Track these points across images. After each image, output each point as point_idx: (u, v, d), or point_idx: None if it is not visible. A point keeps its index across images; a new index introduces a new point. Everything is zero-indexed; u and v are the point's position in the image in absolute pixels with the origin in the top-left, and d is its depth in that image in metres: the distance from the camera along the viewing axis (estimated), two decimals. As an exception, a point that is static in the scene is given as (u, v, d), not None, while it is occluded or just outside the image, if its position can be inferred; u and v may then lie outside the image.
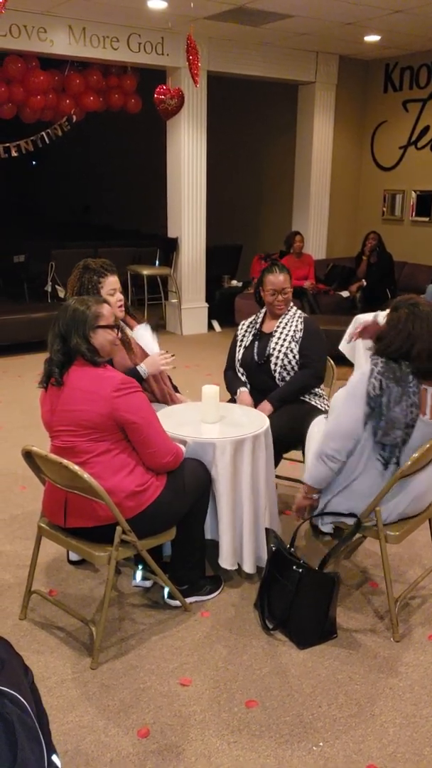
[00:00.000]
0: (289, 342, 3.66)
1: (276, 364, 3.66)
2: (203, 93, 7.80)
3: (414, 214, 8.79)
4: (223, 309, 8.75)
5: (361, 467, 2.79)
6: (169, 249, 8.34)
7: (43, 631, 2.86)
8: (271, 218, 10.26)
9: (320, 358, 3.70)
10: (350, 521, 2.86)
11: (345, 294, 7.94)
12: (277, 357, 3.66)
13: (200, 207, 8.16)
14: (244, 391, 3.73)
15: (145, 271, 8.31)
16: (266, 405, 3.57)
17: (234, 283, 9.09)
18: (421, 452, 2.68)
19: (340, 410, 2.79)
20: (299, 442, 3.52)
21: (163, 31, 7.28)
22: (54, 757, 1.94)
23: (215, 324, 8.82)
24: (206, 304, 8.65)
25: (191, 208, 8.10)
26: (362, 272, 7.97)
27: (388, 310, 2.84)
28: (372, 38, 7.57)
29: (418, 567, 3.38)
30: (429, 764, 2.24)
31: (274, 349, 3.68)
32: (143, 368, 3.30)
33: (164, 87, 7.00)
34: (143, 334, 3.51)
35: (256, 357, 3.73)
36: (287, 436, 3.41)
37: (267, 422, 3.19)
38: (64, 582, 3.20)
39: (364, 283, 7.77)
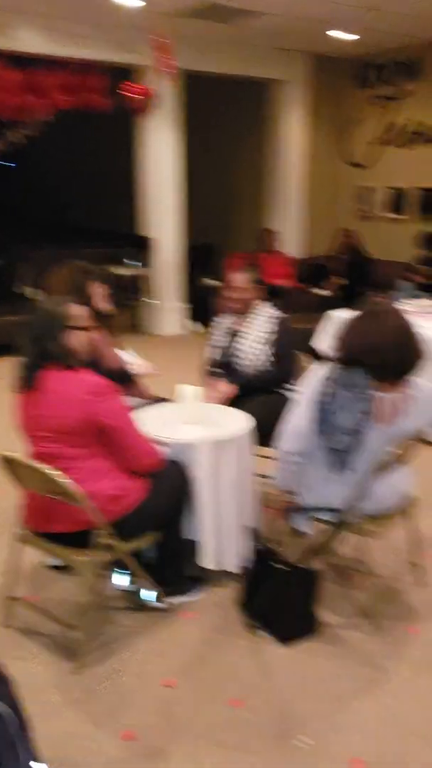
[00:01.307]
0: (260, 343, 3.70)
1: (246, 364, 3.70)
2: (175, 90, 7.78)
3: (387, 210, 8.85)
4: (199, 308, 8.74)
5: (316, 470, 2.83)
6: (144, 249, 8.32)
7: (25, 638, 2.84)
8: (246, 216, 10.26)
9: (291, 358, 3.74)
10: (328, 515, 2.87)
11: (322, 292, 7.97)
12: (248, 357, 3.70)
13: (174, 206, 8.15)
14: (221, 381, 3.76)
15: (121, 271, 8.27)
16: (228, 385, 3.63)
17: (210, 281, 9.09)
18: (397, 449, 2.71)
19: (293, 412, 2.84)
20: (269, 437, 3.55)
21: (133, 29, 7.24)
22: (33, 764, 1.93)
23: (191, 323, 8.81)
24: (183, 304, 8.64)
25: (165, 206, 8.10)
26: (337, 270, 8.01)
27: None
28: (343, 36, 7.60)
29: (398, 561, 3.41)
30: (413, 755, 2.27)
31: (241, 350, 3.73)
32: (133, 369, 3.48)
33: (134, 84, 6.98)
34: (129, 359, 3.61)
35: (227, 357, 3.79)
36: (261, 429, 3.40)
37: (248, 422, 3.19)
38: (46, 587, 3.18)
39: (340, 281, 7.80)
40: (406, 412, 2.72)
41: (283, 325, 3.75)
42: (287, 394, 3.69)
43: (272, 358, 3.68)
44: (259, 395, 3.63)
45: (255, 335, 3.73)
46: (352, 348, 2.68)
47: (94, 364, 3.22)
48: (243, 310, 3.80)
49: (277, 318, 3.77)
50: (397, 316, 2.71)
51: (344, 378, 2.69)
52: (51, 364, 2.62)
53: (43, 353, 2.61)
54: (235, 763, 2.23)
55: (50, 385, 2.59)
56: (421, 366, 2.71)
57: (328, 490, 2.83)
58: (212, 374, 3.85)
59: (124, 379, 3.49)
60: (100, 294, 3.39)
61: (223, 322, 3.93)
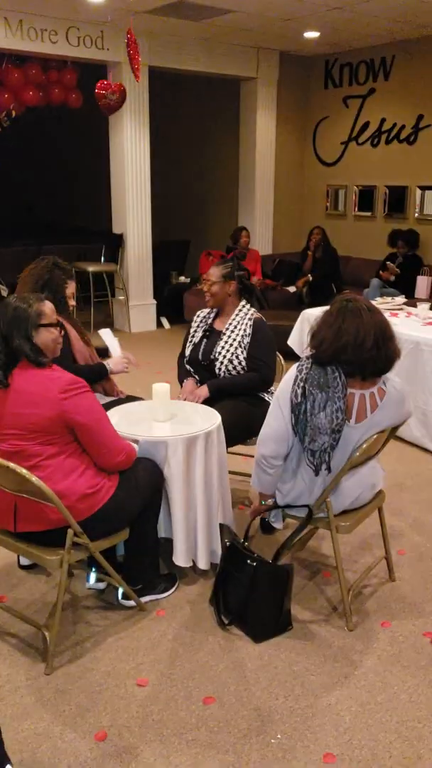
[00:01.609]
0: (236, 348, 3.61)
1: (220, 369, 3.64)
2: (145, 88, 7.74)
3: (357, 208, 8.91)
4: (171, 305, 8.72)
5: (292, 470, 2.84)
6: (114, 245, 8.27)
7: (-5, 638, 2.81)
8: (217, 214, 10.26)
9: (269, 363, 3.64)
10: (301, 513, 2.88)
11: (292, 289, 8.00)
12: (221, 362, 3.62)
13: (145, 203, 8.11)
14: (189, 381, 3.74)
15: (91, 268, 8.21)
16: (203, 389, 3.57)
17: (182, 279, 9.07)
18: (369, 443, 2.72)
19: (269, 416, 2.81)
20: (246, 437, 3.54)
21: (103, 25, 7.20)
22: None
23: (164, 321, 8.78)
24: (154, 301, 8.61)
25: (136, 204, 8.05)
26: (308, 267, 8.04)
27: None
28: (311, 34, 7.63)
29: (369, 556, 3.44)
30: (384, 749, 2.28)
31: (219, 353, 3.64)
32: (109, 365, 3.44)
33: (105, 82, 6.92)
34: (106, 338, 3.60)
35: (200, 357, 3.71)
36: (231, 431, 3.40)
37: (219, 419, 3.19)
38: (15, 588, 3.15)
39: (310, 278, 7.84)
40: (380, 407, 2.74)
41: (257, 326, 3.65)
42: (264, 397, 3.67)
43: (250, 364, 3.60)
44: (234, 399, 3.58)
45: (233, 337, 3.65)
46: (330, 347, 2.64)
47: (66, 360, 3.21)
48: (214, 305, 3.75)
49: (251, 320, 3.68)
50: (375, 312, 2.69)
51: (318, 378, 2.67)
52: (21, 363, 2.58)
53: (14, 352, 2.57)
54: (207, 760, 2.23)
55: (20, 384, 2.56)
56: (395, 364, 2.72)
57: (305, 487, 2.83)
58: (186, 372, 3.80)
59: (97, 376, 3.47)
60: (71, 290, 3.38)
61: (200, 318, 3.86)
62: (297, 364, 2.77)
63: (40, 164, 13.65)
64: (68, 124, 11.44)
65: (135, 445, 2.87)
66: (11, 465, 2.47)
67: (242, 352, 3.61)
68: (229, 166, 9.59)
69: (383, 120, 8.38)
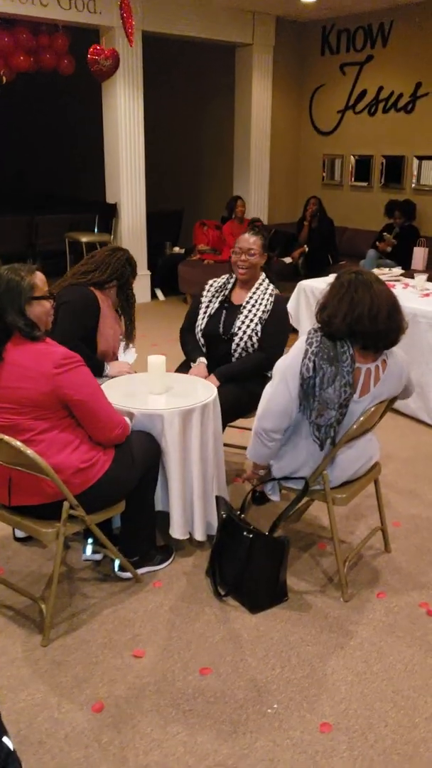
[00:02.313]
0: (256, 324, 3.52)
1: (238, 344, 3.54)
2: (138, 54, 7.58)
3: (353, 178, 8.81)
4: (166, 277, 8.64)
5: (294, 443, 2.82)
6: (108, 215, 8.16)
7: (-8, 610, 2.81)
8: (211, 183, 10.14)
9: (280, 345, 3.55)
10: (298, 485, 2.87)
11: (288, 260, 7.93)
12: (241, 338, 3.53)
13: (139, 171, 7.99)
14: (201, 363, 3.60)
15: (84, 239, 8.12)
16: (213, 379, 3.49)
17: (176, 249, 8.97)
18: (366, 416, 2.70)
19: (273, 390, 2.76)
20: (245, 412, 3.51)
21: (95, -11, 7.02)
22: (4, 739, 1.90)
23: (158, 292, 8.71)
24: (148, 272, 8.53)
25: (130, 172, 7.93)
26: (304, 238, 7.96)
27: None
28: (308, -2, 7.47)
29: (364, 527, 3.44)
30: (380, 718, 2.30)
31: (239, 328, 3.53)
32: (107, 368, 3.42)
33: (98, 47, 6.78)
34: (129, 350, 3.61)
35: (222, 330, 3.59)
36: (233, 406, 3.38)
37: (215, 392, 3.17)
38: (11, 560, 3.14)
39: (306, 249, 7.77)
40: (381, 380, 2.73)
41: (277, 304, 3.56)
42: (268, 375, 3.62)
43: (259, 340, 3.52)
44: (242, 380, 3.51)
45: (253, 312, 3.54)
46: (344, 320, 2.60)
47: (90, 341, 3.34)
48: (247, 277, 3.59)
49: (272, 296, 3.58)
50: (384, 284, 2.66)
51: (328, 351, 2.63)
52: (15, 337, 2.53)
53: (8, 326, 2.51)
54: (204, 730, 2.24)
55: (14, 358, 2.51)
56: (402, 337, 2.70)
57: (304, 460, 2.81)
58: (197, 348, 3.67)
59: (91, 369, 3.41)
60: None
61: (214, 289, 3.71)
62: (305, 337, 2.72)
63: (32, 131, 13.43)
64: (61, 90, 11.22)
65: (129, 419, 2.84)
66: (6, 438, 2.44)
67: (260, 328, 3.53)
68: (224, 134, 9.45)
69: (381, 88, 8.25)
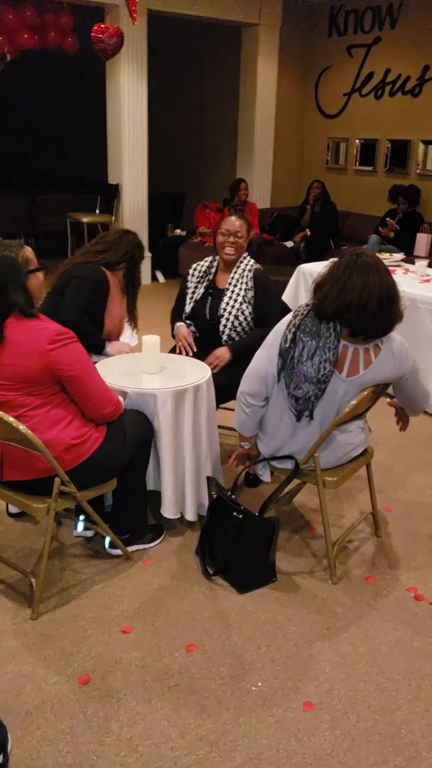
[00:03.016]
0: (240, 303, 3.54)
1: (225, 325, 3.55)
2: (143, 33, 7.51)
3: (358, 162, 8.75)
4: (166, 259, 8.61)
5: (277, 417, 2.83)
6: (110, 196, 8.14)
7: (-18, 584, 2.83)
8: (214, 166, 10.08)
9: (276, 315, 3.50)
10: (287, 465, 2.88)
11: (289, 244, 7.90)
12: (228, 319, 3.55)
13: (141, 152, 7.94)
14: (181, 325, 3.66)
15: (86, 219, 8.10)
16: (225, 351, 3.50)
17: (178, 232, 8.94)
18: (358, 400, 2.70)
19: (255, 356, 2.81)
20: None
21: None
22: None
23: (159, 274, 8.69)
24: (149, 254, 8.50)
25: (132, 153, 7.88)
26: (306, 222, 7.93)
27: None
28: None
29: (356, 511, 3.46)
30: (362, 698, 2.33)
31: (224, 309, 3.56)
32: (108, 347, 3.43)
33: (102, 25, 6.72)
34: (128, 330, 3.61)
35: (207, 315, 3.61)
36: (225, 387, 3.39)
37: (208, 372, 3.17)
38: (3, 534, 3.17)
39: (308, 233, 7.73)
40: (373, 364, 2.71)
41: (258, 278, 3.57)
42: None
43: (258, 317, 3.52)
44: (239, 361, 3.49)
45: (236, 292, 3.56)
46: (333, 303, 2.58)
47: (96, 318, 3.37)
48: (236, 259, 3.59)
49: (251, 272, 3.59)
50: (383, 272, 2.60)
51: (311, 326, 2.64)
52: (13, 315, 2.53)
53: (9, 304, 2.50)
54: (188, 705, 2.27)
55: (9, 335, 2.51)
56: (396, 327, 2.66)
57: (289, 437, 2.83)
58: (180, 317, 3.71)
59: (92, 346, 3.41)
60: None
61: (198, 273, 3.73)
62: (294, 310, 2.75)
63: (36, 111, 13.34)
64: (65, 69, 11.13)
65: (123, 398, 2.85)
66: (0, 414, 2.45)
67: (247, 308, 3.54)
68: (228, 115, 9.39)
69: (388, 71, 8.17)
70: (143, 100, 7.73)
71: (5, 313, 2.51)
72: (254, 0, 8.16)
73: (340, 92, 8.80)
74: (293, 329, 2.67)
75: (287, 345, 2.67)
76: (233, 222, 3.56)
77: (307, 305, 2.72)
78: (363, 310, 2.54)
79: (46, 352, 2.48)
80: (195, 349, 3.57)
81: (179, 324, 3.69)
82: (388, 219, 7.43)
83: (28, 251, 2.58)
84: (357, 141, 8.69)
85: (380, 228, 7.46)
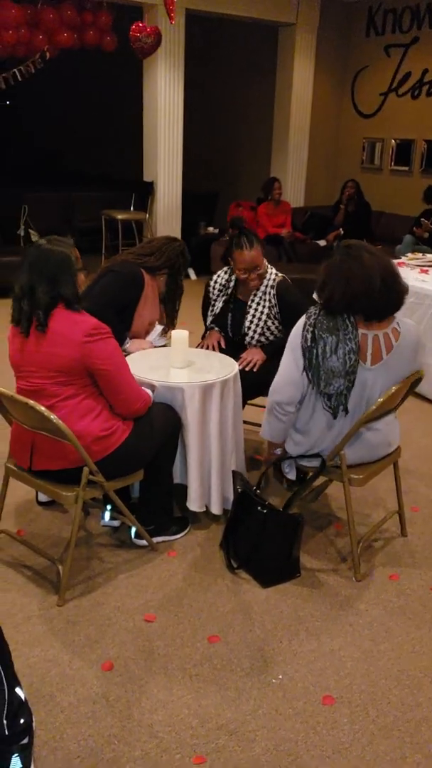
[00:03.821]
0: (266, 320, 3.52)
1: (249, 343, 3.56)
2: (181, 32, 7.56)
3: (393, 163, 8.69)
4: (199, 256, 8.64)
5: (308, 416, 2.83)
6: (144, 193, 8.20)
7: (11, 570, 2.89)
8: (249, 164, 10.09)
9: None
10: (314, 463, 2.89)
11: (322, 243, 7.89)
12: (252, 337, 3.55)
13: (176, 150, 7.99)
14: (214, 331, 3.65)
15: (120, 216, 8.17)
16: (259, 352, 3.52)
17: (210, 230, 8.98)
18: (387, 396, 2.71)
19: (282, 363, 2.81)
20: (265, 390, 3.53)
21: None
22: (17, 690, 1.98)
23: (191, 272, 8.72)
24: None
25: (167, 151, 7.94)
26: (339, 221, 7.91)
27: None
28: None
29: (382, 510, 3.45)
30: (383, 695, 2.33)
31: (249, 328, 3.55)
32: (128, 342, 3.47)
33: (140, 24, 6.78)
34: (156, 331, 3.62)
35: (230, 332, 3.61)
36: (253, 384, 3.40)
37: (236, 367, 3.20)
38: (33, 522, 3.23)
39: (341, 232, 7.71)
40: (395, 348, 2.72)
41: (281, 292, 3.52)
42: None
43: (279, 330, 3.53)
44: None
45: (260, 309, 3.54)
46: (342, 298, 2.63)
47: (126, 316, 3.41)
48: (258, 285, 3.56)
49: (273, 287, 3.53)
50: (375, 254, 2.67)
51: (327, 323, 2.67)
52: (59, 306, 2.60)
53: (57, 294, 2.59)
54: (209, 695, 2.30)
55: (52, 324, 2.58)
56: (405, 299, 2.72)
57: (322, 434, 2.83)
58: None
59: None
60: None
61: (219, 285, 3.71)
62: (306, 312, 2.77)
63: (72, 108, 13.48)
64: (102, 67, 11.24)
65: (149, 391, 2.89)
66: (31, 402, 2.51)
67: (273, 323, 3.54)
68: (263, 114, 9.39)
69: (425, 71, 8.11)
70: (179, 99, 7.78)
71: (53, 304, 2.59)
72: (292, 0, 8.15)
73: (376, 92, 8.76)
74: (310, 328, 2.69)
75: (308, 344, 2.69)
76: (245, 257, 3.45)
77: (315, 306, 2.76)
78: (371, 294, 2.61)
79: (82, 344, 2.54)
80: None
81: (214, 327, 3.67)
82: (422, 219, 7.37)
83: (76, 252, 2.70)
84: (393, 141, 8.64)
85: (415, 228, 7.40)
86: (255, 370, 3.45)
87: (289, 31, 8.43)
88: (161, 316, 3.65)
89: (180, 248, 3.55)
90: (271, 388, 2.85)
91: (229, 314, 3.62)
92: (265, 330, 3.53)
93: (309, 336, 2.69)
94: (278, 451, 3.01)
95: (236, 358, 3.51)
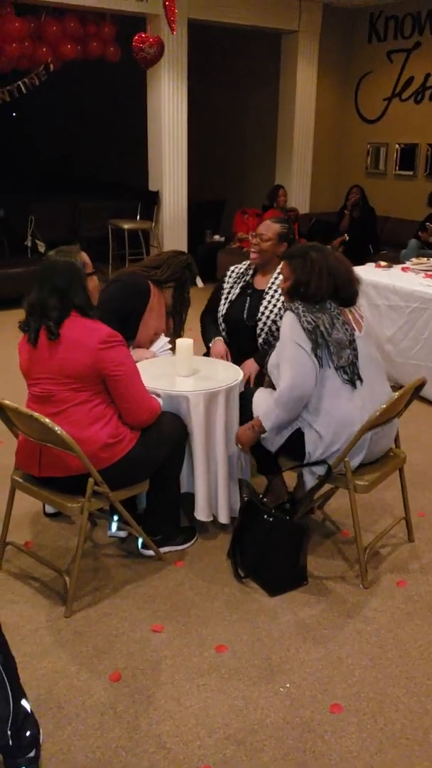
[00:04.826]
0: (279, 308, 3.50)
1: (262, 329, 3.54)
2: (184, 41, 7.60)
3: (397, 167, 8.70)
4: (205, 264, 8.67)
5: (333, 397, 2.82)
6: (150, 203, 8.24)
7: (19, 582, 2.90)
8: (254, 172, 10.12)
9: None
10: (319, 470, 2.89)
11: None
12: (265, 323, 3.53)
13: (181, 160, 8.03)
14: (218, 341, 3.63)
15: (126, 225, 8.21)
16: (252, 364, 3.51)
17: (216, 238, 9.00)
18: (390, 402, 2.71)
19: (289, 360, 2.78)
20: None
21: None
22: (23, 702, 1.99)
23: (198, 280, 8.75)
24: (188, 260, 8.57)
25: (172, 160, 7.97)
26: (345, 227, 7.91)
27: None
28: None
29: (389, 517, 3.44)
30: (391, 702, 2.32)
31: (262, 313, 3.53)
32: (130, 351, 3.43)
33: (143, 35, 6.82)
34: (161, 342, 3.60)
35: (245, 317, 3.59)
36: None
37: (240, 375, 3.20)
38: (40, 534, 3.24)
39: (347, 238, 7.71)
40: (364, 317, 2.98)
41: None
42: None
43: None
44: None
45: (276, 297, 3.53)
46: (329, 287, 2.84)
47: (131, 324, 3.40)
48: (259, 263, 3.59)
49: None
50: (333, 253, 2.99)
51: (313, 309, 2.82)
52: (72, 314, 2.63)
53: (68, 305, 2.62)
54: (217, 705, 2.29)
55: (66, 331, 2.61)
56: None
57: (351, 411, 2.82)
58: (215, 332, 3.69)
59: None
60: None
61: (236, 274, 3.73)
62: (286, 313, 2.86)
63: (78, 117, 13.56)
64: (107, 76, 11.31)
65: (159, 399, 2.90)
66: (35, 414, 2.52)
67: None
68: (267, 121, 9.42)
69: (428, 75, 8.12)
70: (183, 108, 7.82)
71: (66, 314, 2.63)
72: (294, 7, 8.19)
73: (379, 97, 8.77)
74: (304, 315, 2.79)
75: (313, 324, 2.77)
76: (264, 224, 3.61)
77: (292, 304, 2.86)
78: (349, 279, 2.91)
79: (97, 350, 2.58)
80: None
81: (217, 339, 3.65)
82: (428, 223, 7.35)
83: (84, 256, 2.74)
84: (397, 146, 8.64)
85: (420, 232, 7.38)
86: (251, 384, 3.44)
87: (292, 38, 8.46)
88: (167, 328, 3.66)
89: (186, 261, 3.58)
90: (287, 386, 2.78)
91: (247, 299, 3.63)
92: (278, 319, 3.51)
93: (307, 319, 2.78)
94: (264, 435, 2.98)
95: (241, 350, 3.56)
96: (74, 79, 11.53)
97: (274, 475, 3.19)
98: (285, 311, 2.88)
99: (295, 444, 2.89)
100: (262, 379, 3.47)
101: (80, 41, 7.82)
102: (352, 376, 2.81)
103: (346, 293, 2.89)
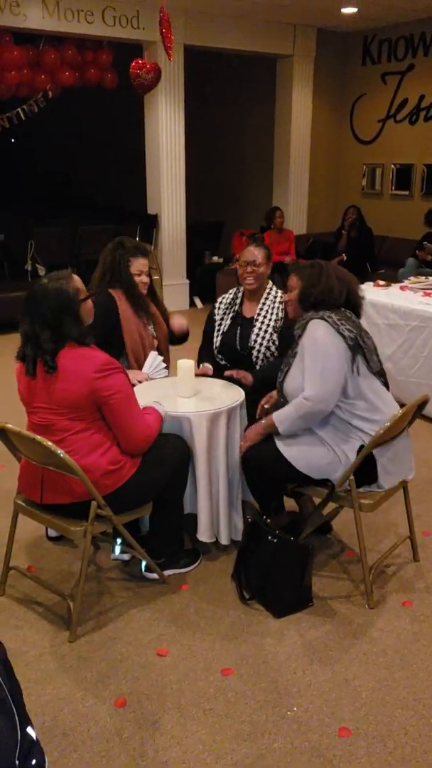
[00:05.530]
0: (271, 333, 3.52)
1: (257, 357, 3.54)
2: (180, 67, 7.70)
3: (393, 187, 8.77)
4: (204, 285, 8.72)
5: (378, 401, 2.86)
6: (149, 226, 8.29)
7: (22, 607, 2.88)
8: (251, 194, 10.20)
9: None
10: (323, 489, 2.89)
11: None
12: (259, 350, 3.54)
13: (179, 183, 8.10)
14: (206, 366, 3.62)
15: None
16: (248, 375, 3.49)
17: (215, 259, 9.06)
18: (393, 420, 2.71)
19: (325, 374, 2.76)
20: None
21: (139, 4, 7.17)
22: (29, 729, 1.96)
23: (197, 300, 8.80)
24: (187, 281, 8.62)
25: (170, 184, 8.04)
26: (342, 247, 7.96)
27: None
28: (349, 10, 7.50)
29: (393, 536, 3.43)
30: (400, 725, 2.29)
31: (255, 341, 3.54)
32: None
33: (140, 61, 6.89)
34: (155, 360, 3.52)
35: (238, 347, 3.60)
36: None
37: (242, 396, 3.20)
38: (43, 558, 3.22)
39: (344, 258, 7.76)
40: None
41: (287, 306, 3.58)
42: None
43: (282, 347, 3.46)
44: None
45: (266, 323, 3.55)
46: (343, 291, 2.90)
47: (114, 340, 3.35)
48: (257, 288, 3.60)
49: (282, 303, 3.56)
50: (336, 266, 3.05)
51: (337, 314, 2.84)
52: (67, 345, 2.59)
53: (62, 336, 2.57)
54: (224, 730, 2.27)
55: (63, 362, 2.58)
56: None
57: (389, 405, 2.89)
58: (209, 354, 3.69)
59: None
60: (138, 268, 3.45)
61: (224, 305, 3.73)
62: (315, 325, 2.81)
63: (77, 142, 13.69)
64: (106, 101, 11.44)
65: (161, 408, 2.89)
66: (38, 438, 2.52)
67: (277, 337, 3.53)
68: (264, 144, 9.51)
69: (422, 97, 8.22)
70: (181, 133, 7.90)
71: (61, 345, 2.58)
72: (288, 32, 8.31)
73: (374, 119, 8.87)
74: (344, 321, 2.82)
75: (353, 332, 2.81)
76: (252, 252, 3.58)
77: (312, 313, 2.87)
78: (357, 291, 2.98)
79: (92, 380, 2.55)
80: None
81: (205, 365, 3.64)
82: (425, 242, 7.40)
83: (77, 281, 2.66)
84: (393, 166, 8.72)
85: (417, 251, 7.43)
86: (245, 382, 3.44)
87: (287, 62, 8.57)
88: (161, 336, 3.61)
89: (112, 244, 3.49)
90: (314, 398, 2.76)
91: (238, 328, 3.62)
92: (271, 344, 3.53)
93: (346, 328, 2.81)
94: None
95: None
96: (73, 104, 11.67)
97: (276, 511, 3.19)
98: (308, 321, 2.85)
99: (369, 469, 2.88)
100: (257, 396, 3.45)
101: (78, 68, 7.93)
102: (385, 379, 2.93)
103: (355, 301, 2.96)
